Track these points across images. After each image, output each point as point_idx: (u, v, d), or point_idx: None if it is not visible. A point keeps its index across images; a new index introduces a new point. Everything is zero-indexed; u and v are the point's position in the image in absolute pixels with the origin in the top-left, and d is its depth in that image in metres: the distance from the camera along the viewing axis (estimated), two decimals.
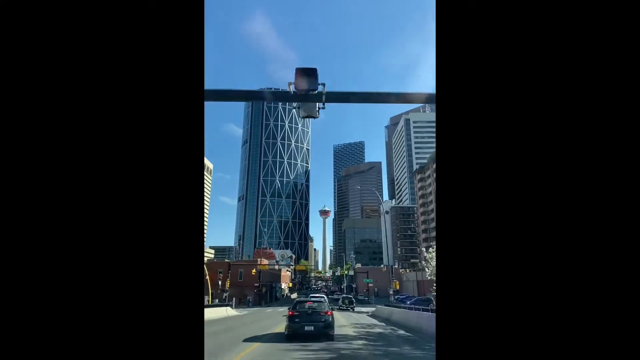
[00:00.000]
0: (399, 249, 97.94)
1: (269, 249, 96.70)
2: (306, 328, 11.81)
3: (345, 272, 57.24)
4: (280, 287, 75.99)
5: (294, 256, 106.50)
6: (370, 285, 55.71)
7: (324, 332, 11.94)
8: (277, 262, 68.77)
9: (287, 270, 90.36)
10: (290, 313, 12.41)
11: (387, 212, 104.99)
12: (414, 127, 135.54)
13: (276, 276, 71.57)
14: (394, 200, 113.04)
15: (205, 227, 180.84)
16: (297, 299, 14.15)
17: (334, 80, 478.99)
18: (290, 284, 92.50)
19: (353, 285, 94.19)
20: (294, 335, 12.01)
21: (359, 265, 59.36)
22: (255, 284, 52.17)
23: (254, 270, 48.10)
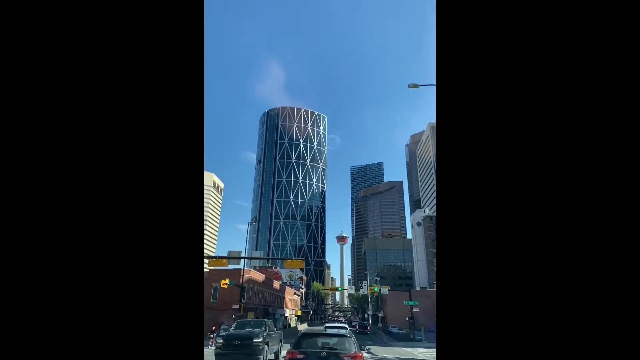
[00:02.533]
0: (435, 269, 75.37)
1: (274, 267, 75.95)
2: None
3: (377, 288, 36.04)
4: (283, 315, 54.37)
5: (304, 277, 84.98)
6: (414, 310, 34.12)
7: None
8: (270, 265, 48.43)
9: (296, 294, 68.61)
10: (292, 355, 6.28)
11: (419, 224, 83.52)
12: None
13: (277, 299, 50.37)
14: (426, 209, 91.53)
15: (214, 250, 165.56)
16: (304, 331, 7.72)
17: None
18: (299, 312, 70.40)
19: (380, 315, 71.39)
20: None
21: (387, 287, 38.08)
22: (235, 307, 31.55)
23: (225, 282, 27.57)
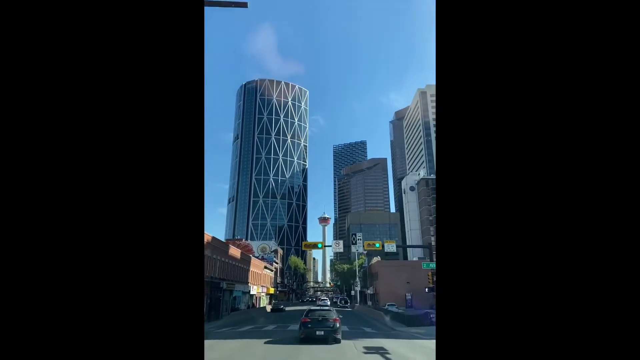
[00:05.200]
0: (432, 238, 62.98)
1: (243, 240, 62.16)
2: (317, 332, 12.54)
3: (377, 244, 22.40)
4: (247, 293, 40.68)
5: (280, 250, 71.35)
6: (431, 279, 20.76)
7: (332, 336, 12.50)
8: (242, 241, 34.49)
9: (267, 269, 54.95)
10: (304, 320, 13.12)
11: (412, 189, 71.10)
12: (432, 100, 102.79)
13: (237, 272, 36.58)
14: (421, 170, 79.14)
15: None
16: (310, 308, 15.45)
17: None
18: (272, 290, 56.93)
19: (368, 292, 58.78)
20: (306, 338, 12.67)
21: (394, 242, 24.80)
22: None
23: None
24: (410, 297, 44.62)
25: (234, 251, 35.68)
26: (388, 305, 35.77)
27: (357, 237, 22.49)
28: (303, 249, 21.46)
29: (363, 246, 22.11)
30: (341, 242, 23.11)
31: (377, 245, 21.65)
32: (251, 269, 42.36)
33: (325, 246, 22.11)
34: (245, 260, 40.46)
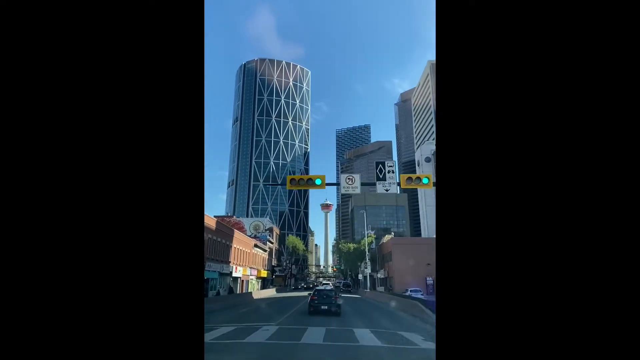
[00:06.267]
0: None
1: (234, 217, 53.31)
2: (322, 307, 16.02)
3: (429, 180, 13.37)
4: (229, 275, 31.76)
5: (276, 229, 62.40)
6: None
7: (334, 309, 16.05)
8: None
9: (259, 248, 45.95)
10: (312, 297, 16.65)
11: (427, 160, 61.76)
12: None
13: (215, 248, 27.42)
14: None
15: None
16: (317, 288, 19.97)
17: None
18: (265, 273, 48.10)
19: (378, 275, 49.89)
20: (314, 311, 16.02)
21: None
22: None
23: None
24: (431, 281, 35.70)
25: (209, 221, 26.55)
26: (411, 291, 26.92)
27: (388, 167, 12.99)
28: (287, 188, 11.88)
29: (399, 183, 12.78)
30: (357, 176, 13.73)
31: (425, 180, 12.21)
32: (234, 245, 33.30)
33: (326, 184, 12.80)
34: (225, 233, 31.39)
